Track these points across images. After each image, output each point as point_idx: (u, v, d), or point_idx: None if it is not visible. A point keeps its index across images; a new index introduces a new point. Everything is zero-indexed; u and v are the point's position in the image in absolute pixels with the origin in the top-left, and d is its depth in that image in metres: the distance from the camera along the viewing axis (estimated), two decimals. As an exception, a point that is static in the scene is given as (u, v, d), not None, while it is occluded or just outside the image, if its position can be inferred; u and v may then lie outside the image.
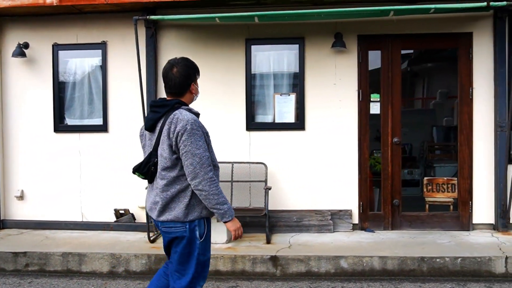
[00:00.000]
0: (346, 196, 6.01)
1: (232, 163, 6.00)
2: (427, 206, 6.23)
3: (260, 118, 6.16)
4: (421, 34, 5.93)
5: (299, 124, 6.02)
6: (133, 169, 3.08)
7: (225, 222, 2.99)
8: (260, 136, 6.09)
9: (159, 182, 2.98)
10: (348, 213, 5.98)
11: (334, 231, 5.96)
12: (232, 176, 5.97)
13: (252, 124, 6.09)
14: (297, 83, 6.06)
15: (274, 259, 5.09)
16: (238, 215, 5.50)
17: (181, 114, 2.91)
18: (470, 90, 5.87)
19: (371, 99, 5.99)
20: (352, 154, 6.00)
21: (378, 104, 5.98)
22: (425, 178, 6.46)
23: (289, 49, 6.09)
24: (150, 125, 3.00)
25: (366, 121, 5.98)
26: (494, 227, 5.86)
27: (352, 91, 5.97)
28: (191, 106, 3.11)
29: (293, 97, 6.06)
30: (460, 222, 5.95)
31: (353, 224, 6.00)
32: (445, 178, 6.32)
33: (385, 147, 5.99)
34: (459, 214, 5.97)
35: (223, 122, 6.09)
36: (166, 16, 5.66)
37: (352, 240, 5.61)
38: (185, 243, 2.98)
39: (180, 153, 2.88)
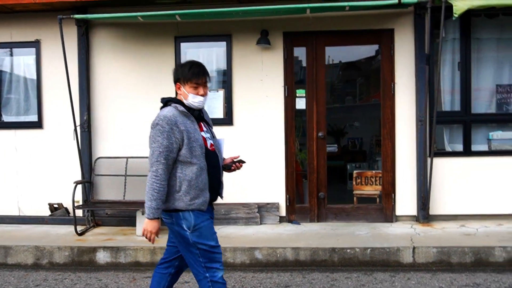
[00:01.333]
0: (273, 189, 6.16)
1: (162, 158, 6.13)
2: (355, 198, 6.39)
3: (190, 114, 6.29)
4: (345, 31, 6.07)
5: (227, 119, 6.16)
6: None
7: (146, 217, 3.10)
8: (190, 132, 6.22)
9: None
10: (275, 206, 6.13)
11: (261, 224, 6.12)
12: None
13: (182, 120, 6.22)
14: (226, 80, 6.20)
15: (191, 251, 5.24)
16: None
17: (162, 111, 3.08)
18: (392, 85, 6.02)
19: (297, 95, 6.13)
20: (279, 148, 6.15)
21: (304, 99, 6.12)
22: (355, 171, 6.62)
23: (218, 46, 6.23)
24: None
25: (292, 116, 6.13)
26: (416, 219, 6.01)
27: (279, 87, 6.11)
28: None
29: (221, 93, 6.20)
30: (384, 214, 6.11)
31: (280, 217, 6.16)
32: (374, 171, 6.48)
33: (310, 142, 6.13)
34: (383, 207, 6.13)
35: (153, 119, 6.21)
36: (89, 15, 5.80)
37: (274, 232, 5.77)
38: (175, 234, 3.16)
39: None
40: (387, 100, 6.04)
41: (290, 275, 4.91)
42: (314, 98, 6.09)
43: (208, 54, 6.26)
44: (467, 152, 6.02)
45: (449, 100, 6.12)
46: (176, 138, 3.01)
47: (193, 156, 3.06)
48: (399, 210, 6.10)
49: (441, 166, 6.01)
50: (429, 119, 5.89)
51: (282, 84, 6.10)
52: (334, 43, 6.16)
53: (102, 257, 5.32)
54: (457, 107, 6.06)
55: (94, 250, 5.34)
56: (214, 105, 6.19)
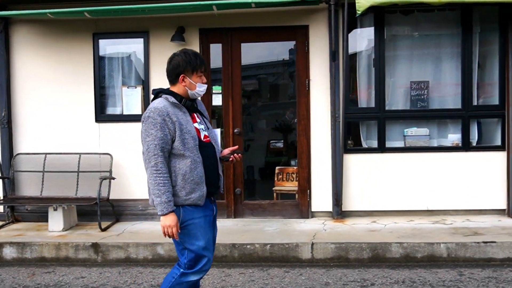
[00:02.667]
0: (191, 185, 6.19)
1: (80, 154, 6.19)
2: (275, 194, 6.43)
3: (110, 110, 6.35)
4: (262, 27, 6.09)
5: (145, 116, 6.18)
6: None
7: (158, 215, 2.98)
8: (109, 128, 6.28)
9: None
10: (192, 202, 6.16)
11: (178, 219, 6.15)
12: (78, 166, 6.16)
13: (101, 116, 6.27)
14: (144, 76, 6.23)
15: (95, 246, 5.30)
16: (67, 204, 5.72)
17: (153, 103, 3.00)
18: (307, 82, 6.04)
19: (213, 91, 6.16)
20: (196, 144, 6.17)
21: (220, 96, 6.15)
22: (277, 167, 6.65)
23: (136, 43, 6.26)
24: None
25: (208, 113, 6.14)
26: (332, 215, 6.05)
27: (195, 83, 6.13)
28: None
29: (139, 89, 6.23)
30: (300, 210, 6.15)
31: (198, 213, 6.19)
32: (295, 168, 6.51)
33: (227, 138, 6.17)
34: (298, 203, 6.17)
35: (73, 115, 6.27)
36: None
37: (186, 228, 5.81)
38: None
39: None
40: (302, 97, 6.06)
41: (188, 270, 4.95)
42: (230, 95, 6.12)
43: (126, 50, 6.29)
44: (382, 148, 6.04)
45: (365, 97, 6.14)
46: (170, 130, 2.92)
47: (186, 149, 2.96)
48: (315, 206, 6.13)
49: (357, 163, 6.04)
50: (344, 115, 5.91)
51: (199, 80, 6.12)
52: (250, 39, 6.18)
53: (9, 252, 5.37)
54: (372, 104, 6.08)
55: (1, 245, 5.39)
56: (132, 102, 6.24)
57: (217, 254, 5.15)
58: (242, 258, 5.14)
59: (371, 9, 5.62)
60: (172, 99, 3.01)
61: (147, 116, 2.94)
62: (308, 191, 6.11)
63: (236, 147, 3.38)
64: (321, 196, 6.09)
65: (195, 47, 6.09)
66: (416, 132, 6.05)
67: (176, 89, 3.08)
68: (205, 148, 3.06)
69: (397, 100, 6.14)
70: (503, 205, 5.98)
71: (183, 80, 3.04)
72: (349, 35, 5.95)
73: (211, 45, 6.14)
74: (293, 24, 6.03)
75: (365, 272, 4.78)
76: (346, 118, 5.93)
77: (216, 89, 6.15)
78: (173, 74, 3.06)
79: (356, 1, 5.24)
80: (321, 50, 5.98)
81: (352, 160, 6.01)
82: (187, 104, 3.07)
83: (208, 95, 6.14)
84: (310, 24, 5.99)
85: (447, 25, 6.05)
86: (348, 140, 6.11)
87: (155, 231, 5.72)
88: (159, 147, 2.90)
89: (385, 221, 5.85)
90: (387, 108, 6.06)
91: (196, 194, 2.99)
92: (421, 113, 6.06)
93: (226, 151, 3.30)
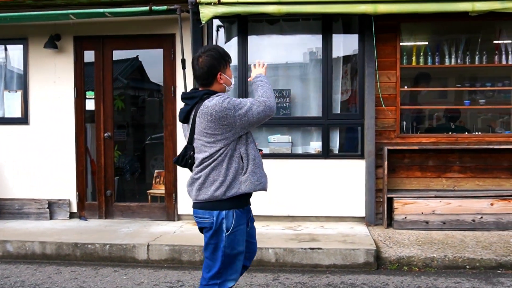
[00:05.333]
0: (65, 186, 6.46)
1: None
2: (149, 197, 6.63)
3: (-7, 113, 6.67)
4: (132, 35, 6.31)
5: (24, 119, 6.49)
6: (173, 161, 3.30)
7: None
8: (-9, 130, 6.60)
9: (194, 170, 3.02)
10: (66, 203, 6.42)
11: (51, 219, 6.42)
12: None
13: (-17, 119, 6.60)
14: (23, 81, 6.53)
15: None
16: None
17: (210, 101, 2.87)
18: (173, 89, 6.23)
19: (87, 96, 6.40)
20: (70, 147, 6.43)
21: (93, 101, 6.39)
22: (156, 171, 6.85)
23: (17, 49, 6.55)
24: (183, 117, 3.04)
25: (82, 117, 6.41)
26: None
27: (69, 88, 6.40)
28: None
29: (19, 93, 6.52)
30: (167, 213, 6.34)
31: (72, 213, 6.45)
32: (172, 172, 6.69)
33: (98, 141, 6.40)
34: (165, 205, 6.35)
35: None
36: None
37: (50, 227, 6.05)
38: (211, 233, 2.94)
39: (243, 124, 2.88)
40: (169, 103, 6.26)
41: (27, 267, 5.19)
42: (101, 99, 6.35)
43: (9, 55, 6.60)
44: (245, 154, 6.16)
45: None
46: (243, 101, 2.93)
47: (251, 138, 3.02)
48: (182, 210, 6.31)
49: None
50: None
51: (73, 86, 6.38)
52: (120, 47, 6.41)
53: None
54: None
55: None
56: (13, 105, 6.53)
57: (60, 252, 5.40)
58: (84, 257, 5.35)
59: (237, 17, 5.83)
60: (225, 95, 2.97)
61: (224, 106, 2.82)
62: (174, 194, 6.29)
63: (257, 144, 3.29)
64: (187, 200, 6.23)
65: (70, 53, 6.36)
66: (279, 139, 6.17)
67: (214, 89, 3.01)
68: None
69: (261, 107, 6.26)
70: (362, 212, 6.04)
71: (220, 78, 2.99)
72: (219, 43, 6.13)
73: (85, 52, 6.38)
74: (160, 33, 6.22)
75: (188, 274, 4.93)
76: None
77: (89, 94, 6.39)
78: (210, 75, 2.97)
79: (200, 12, 5.40)
80: (187, 58, 6.14)
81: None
82: None
83: (81, 99, 6.39)
84: (177, 33, 6.17)
85: (311, 34, 6.17)
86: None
87: (20, 229, 6.00)
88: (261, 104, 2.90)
89: (241, 226, 5.97)
90: (250, 115, 6.18)
91: (264, 179, 3.02)
92: (282, 120, 6.17)
93: None
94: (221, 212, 2.93)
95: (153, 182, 6.73)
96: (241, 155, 2.94)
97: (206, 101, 2.88)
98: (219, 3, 5.37)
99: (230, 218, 2.94)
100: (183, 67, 5.68)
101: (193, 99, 2.96)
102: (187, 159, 3.03)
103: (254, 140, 3.10)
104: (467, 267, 4.90)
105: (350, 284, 4.59)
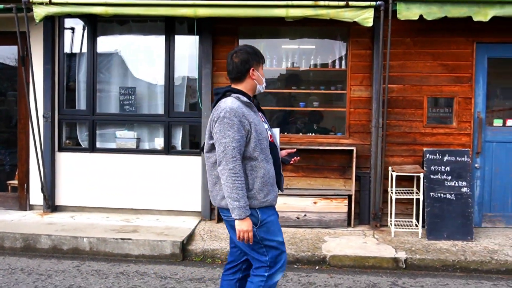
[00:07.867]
0: None
1: None
2: (9, 187, 6.89)
3: None
4: (-9, 32, 6.58)
5: None
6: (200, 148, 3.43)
7: (234, 219, 2.84)
8: None
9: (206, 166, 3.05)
10: None
11: None
12: None
13: None
14: None
15: None
16: None
17: (224, 102, 2.86)
18: (26, 85, 6.49)
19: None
20: None
21: None
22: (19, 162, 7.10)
23: None
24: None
25: None
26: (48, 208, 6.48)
27: None
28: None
29: None
30: (19, 203, 6.61)
31: None
32: (33, 164, 6.94)
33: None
34: (18, 195, 6.62)
35: None
36: None
37: None
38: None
39: (215, 140, 2.85)
40: (23, 98, 6.52)
41: None
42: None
43: None
44: (93, 148, 6.45)
45: (84, 100, 6.55)
46: (246, 131, 2.83)
47: (261, 150, 2.88)
48: (33, 200, 6.57)
49: (70, 161, 6.46)
50: (58, 116, 6.37)
51: None
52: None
53: None
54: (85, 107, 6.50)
55: None
56: None
57: None
58: None
59: (86, 17, 6.13)
60: (244, 98, 2.91)
61: (222, 116, 2.80)
62: (26, 185, 6.56)
63: (294, 150, 3.35)
64: (37, 191, 6.52)
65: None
66: (125, 135, 6.44)
67: (242, 86, 2.99)
68: (272, 148, 3.01)
69: (109, 104, 6.54)
70: (199, 207, 6.29)
71: (252, 73, 2.98)
72: (75, 41, 6.42)
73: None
74: (15, 30, 6.46)
75: (2, 260, 5.20)
76: (61, 118, 6.40)
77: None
78: (243, 70, 2.95)
79: (34, 11, 5.67)
80: (39, 55, 6.42)
81: (65, 158, 6.44)
82: (255, 102, 3.03)
83: None
84: (31, 31, 6.42)
85: (157, 34, 6.42)
86: (67, 139, 6.54)
87: None
88: (237, 150, 2.79)
89: (84, 216, 6.24)
90: (98, 111, 6.46)
91: (272, 196, 2.97)
92: (128, 117, 6.44)
93: (284, 153, 3.31)
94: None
95: (17, 173, 6.98)
96: (246, 172, 2.88)
97: (223, 100, 2.90)
98: (51, 3, 5.62)
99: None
100: (22, 65, 5.96)
101: (217, 95, 2.98)
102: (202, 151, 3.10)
103: (276, 145, 3.04)
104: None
105: (143, 273, 4.85)
